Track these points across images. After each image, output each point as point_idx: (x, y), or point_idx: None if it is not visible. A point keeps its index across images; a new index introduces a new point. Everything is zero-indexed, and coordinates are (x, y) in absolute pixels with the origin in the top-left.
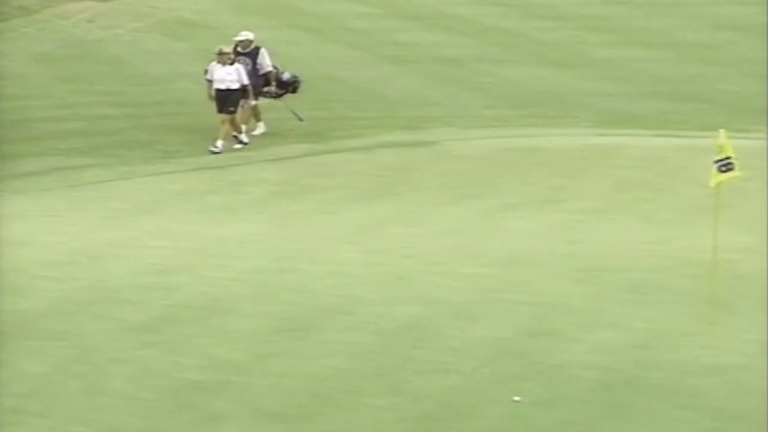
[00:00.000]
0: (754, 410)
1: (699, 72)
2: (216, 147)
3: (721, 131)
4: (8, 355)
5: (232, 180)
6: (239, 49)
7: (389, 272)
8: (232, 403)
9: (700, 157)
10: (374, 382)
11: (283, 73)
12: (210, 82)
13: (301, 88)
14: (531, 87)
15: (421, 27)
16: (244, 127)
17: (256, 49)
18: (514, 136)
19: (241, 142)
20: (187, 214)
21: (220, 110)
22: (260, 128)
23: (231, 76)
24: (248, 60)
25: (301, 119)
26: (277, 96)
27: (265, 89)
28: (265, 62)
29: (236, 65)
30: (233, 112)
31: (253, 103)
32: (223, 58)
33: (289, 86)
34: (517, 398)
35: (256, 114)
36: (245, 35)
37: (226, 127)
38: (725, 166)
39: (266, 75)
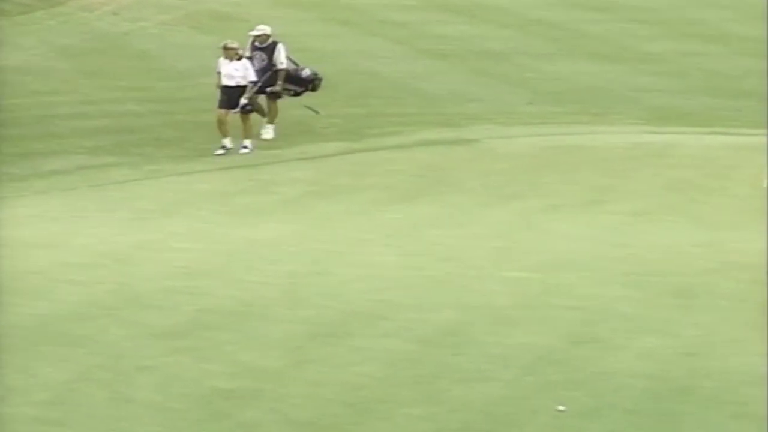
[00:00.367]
0: None
1: (752, 67)
2: (245, 148)
3: None
4: (29, 362)
5: (263, 179)
6: (256, 44)
7: (427, 276)
8: (264, 412)
9: (754, 156)
10: (411, 390)
11: (302, 69)
12: (219, 74)
13: (323, 85)
14: (576, 82)
15: (462, 19)
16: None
17: (273, 44)
18: (559, 134)
19: (224, 147)
20: (217, 215)
21: (225, 106)
22: (269, 132)
23: (239, 72)
24: (264, 56)
25: (316, 112)
26: (296, 94)
27: (268, 89)
28: (279, 58)
29: (243, 61)
30: (251, 110)
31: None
32: (229, 54)
33: (308, 83)
34: (561, 408)
35: (272, 115)
36: (262, 29)
37: (249, 124)
38: None
39: (277, 72)
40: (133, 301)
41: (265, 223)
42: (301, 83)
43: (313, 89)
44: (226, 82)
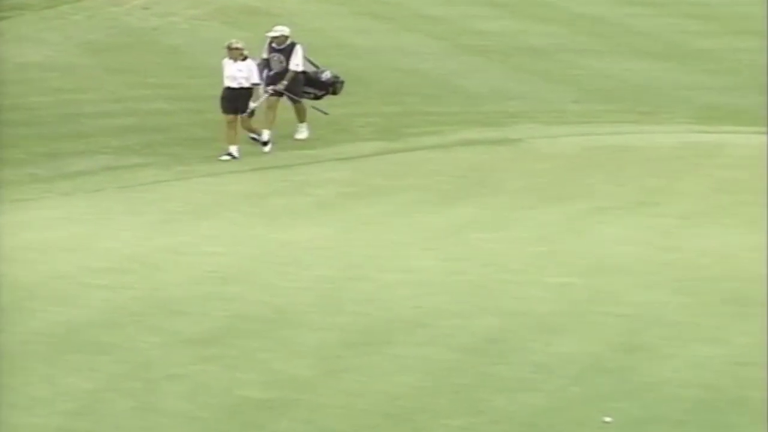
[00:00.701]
0: None
1: None
2: (264, 143)
3: None
4: (54, 370)
5: (297, 180)
6: (274, 45)
7: (468, 281)
8: (298, 423)
9: None
10: (451, 400)
11: (322, 72)
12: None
13: (344, 89)
14: (623, 80)
15: (505, 14)
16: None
17: (292, 46)
18: (605, 133)
19: (230, 155)
20: (249, 218)
21: (229, 110)
22: (302, 132)
23: (242, 73)
24: (282, 57)
25: (325, 113)
26: (316, 97)
27: (269, 88)
28: (294, 60)
29: (248, 61)
30: (251, 113)
31: (255, 105)
32: (233, 54)
33: (329, 86)
34: (607, 419)
35: (300, 116)
36: (280, 30)
37: (254, 125)
38: None
39: (284, 73)
40: (161, 307)
41: (299, 225)
42: (321, 86)
43: (334, 92)
44: (228, 83)
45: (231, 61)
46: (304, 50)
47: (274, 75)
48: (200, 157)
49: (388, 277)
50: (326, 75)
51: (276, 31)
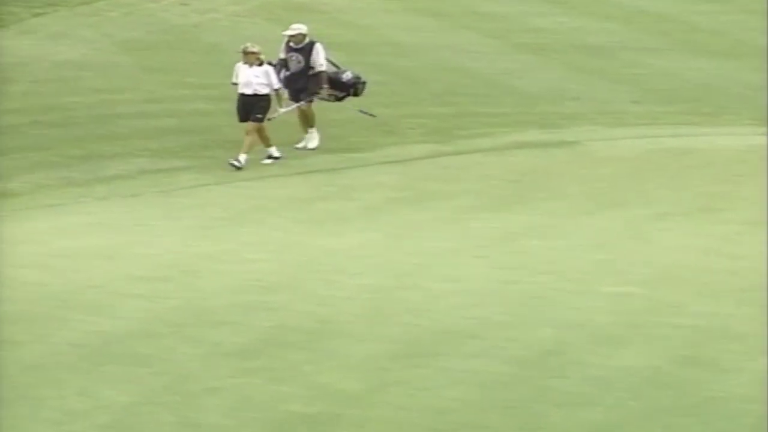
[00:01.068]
0: None
1: None
2: (237, 161)
3: None
4: (90, 383)
5: (344, 185)
6: (291, 44)
7: (522, 291)
8: None
9: None
10: (505, 416)
11: (343, 72)
12: (235, 84)
13: (366, 90)
14: (686, 79)
15: (561, 11)
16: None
17: (311, 45)
18: (667, 135)
19: (271, 157)
20: (293, 224)
21: (244, 119)
22: (313, 140)
23: (259, 78)
24: (301, 57)
25: (372, 115)
26: (337, 99)
27: (317, 90)
28: (318, 60)
29: (265, 66)
30: (261, 120)
31: (284, 110)
32: (249, 58)
33: (350, 88)
34: None
35: (308, 121)
36: (297, 28)
37: (252, 138)
38: None
39: (318, 75)
40: (201, 317)
41: (345, 232)
42: (342, 87)
43: (356, 93)
44: (243, 90)
45: (246, 66)
46: (325, 49)
47: (293, 75)
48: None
49: (438, 287)
50: (347, 75)
51: (293, 29)
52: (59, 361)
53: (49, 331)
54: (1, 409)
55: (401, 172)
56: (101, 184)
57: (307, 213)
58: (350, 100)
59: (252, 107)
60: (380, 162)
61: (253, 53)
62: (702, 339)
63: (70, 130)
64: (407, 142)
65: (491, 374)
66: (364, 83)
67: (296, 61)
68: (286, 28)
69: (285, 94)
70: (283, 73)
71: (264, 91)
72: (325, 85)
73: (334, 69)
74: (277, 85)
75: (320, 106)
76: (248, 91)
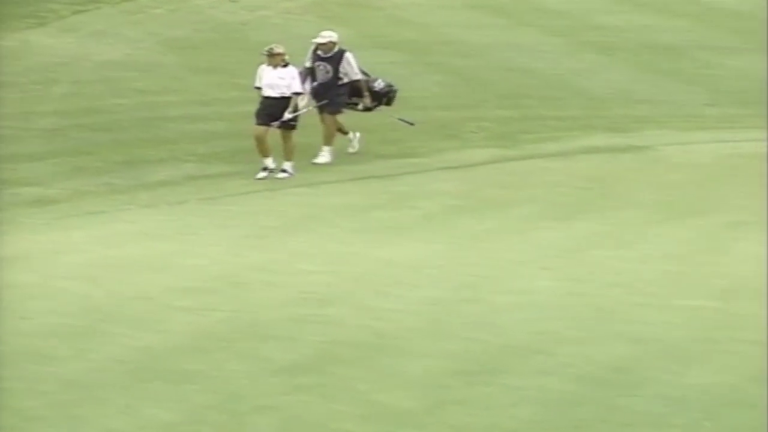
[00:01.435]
0: None
1: None
2: (286, 171)
3: None
4: (133, 400)
5: (401, 192)
6: (319, 52)
7: (591, 304)
8: None
9: None
10: None
11: (375, 81)
12: (258, 89)
13: (397, 98)
14: (762, 80)
15: (631, 8)
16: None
17: (340, 54)
18: (744, 140)
19: (265, 168)
20: (348, 233)
21: (266, 122)
22: (325, 156)
23: (284, 81)
24: (329, 67)
25: (412, 124)
26: (367, 109)
27: (355, 100)
28: (353, 70)
29: (290, 68)
30: (293, 127)
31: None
32: (274, 60)
33: (382, 97)
34: None
35: (339, 129)
36: (328, 36)
37: (291, 143)
38: None
39: (356, 84)
40: (250, 331)
41: (403, 242)
42: (374, 97)
43: (388, 103)
44: (267, 92)
45: (270, 68)
46: (356, 57)
47: (320, 86)
48: (293, 165)
49: (501, 300)
50: (379, 84)
51: (323, 36)
52: (101, 377)
53: (91, 345)
54: (40, 428)
55: (462, 179)
56: (146, 191)
57: (362, 222)
58: (381, 107)
59: (276, 110)
60: (440, 168)
61: (279, 54)
62: None
63: (113, 134)
64: (468, 146)
65: (557, 392)
66: (395, 91)
67: (324, 71)
68: (340, 26)
69: (305, 100)
70: (309, 83)
71: (289, 93)
72: (367, 93)
73: (364, 77)
74: (298, 88)
75: (366, 114)
76: (274, 94)
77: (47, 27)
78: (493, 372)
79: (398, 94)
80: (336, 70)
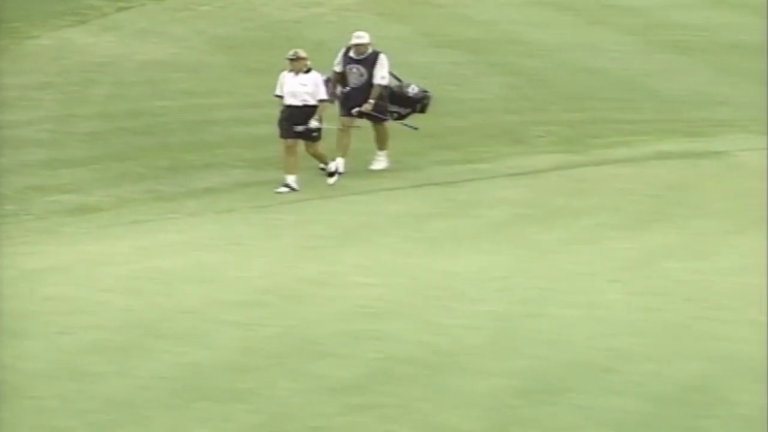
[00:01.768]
0: None
1: None
2: (332, 174)
3: None
4: (179, 421)
5: (463, 200)
6: (352, 54)
7: (664, 319)
8: None
9: None
10: None
11: (408, 86)
12: (280, 97)
13: (432, 106)
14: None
15: (707, 5)
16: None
17: (374, 56)
18: None
19: (287, 186)
20: (407, 243)
21: (291, 135)
22: (381, 161)
23: (306, 88)
24: (363, 70)
25: (415, 128)
26: (400, 117)
27: (363, 108)
28: (380, 73)
29: (313, 73)
30: (318, 138)
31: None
32: (298, 65)
33: (416, 103)
34: None
35: (381, 141)
36: (361, 37)
37: (318, 151)
38: None
39: (365, 88)
40: (303, 347)
41: (465, 253)
42: (407, 103)
43: (422, 110)
44: (289, 101)
45: (292, 75)
46: (390, 62)
47: (353, 90)
48: (349, 171)
49: (569, 314)
50: (413, 89)
51: (357, 37)
52: (145, 396)
53: (133, 362)
54: None
55: (528, 186)
56: (192, 199)
57: (421, 231)
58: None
59: (300, 120)
60: (504, 174)
61: (302, 59)
62: None
63: (158, 138)
64: (535, 151)
65: (628, 413)
66: (430, 98)
67: (358, 74)
68: (398, 23)
69: (330, 108)
70: (339, 89)
71: (313, 101)
72: (372, 99)
73: (396, 82)
74: (323, 95)
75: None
76: (296, 102)
77: (88, 25)
78: (560, 391)
79: (438, 99)
80: (370, 74)
